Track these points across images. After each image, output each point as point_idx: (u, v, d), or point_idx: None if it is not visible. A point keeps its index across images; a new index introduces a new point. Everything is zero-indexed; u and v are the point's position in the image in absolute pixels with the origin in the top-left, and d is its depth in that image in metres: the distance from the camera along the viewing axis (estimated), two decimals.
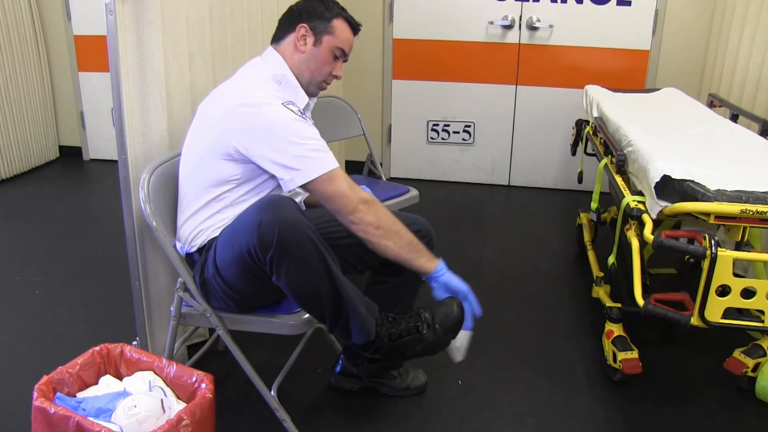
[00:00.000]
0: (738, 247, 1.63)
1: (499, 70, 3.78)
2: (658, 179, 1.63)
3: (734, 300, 1.54)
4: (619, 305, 2.06)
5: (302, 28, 1.60)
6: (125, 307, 1.94)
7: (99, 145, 4.36)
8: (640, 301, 1.65)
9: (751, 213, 1.51)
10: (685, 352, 2.18)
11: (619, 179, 1.98)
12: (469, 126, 3.93)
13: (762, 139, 2.03)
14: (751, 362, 1.88)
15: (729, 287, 1.53)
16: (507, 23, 3.66)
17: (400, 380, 1.92)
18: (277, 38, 1.65)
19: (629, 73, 3.64)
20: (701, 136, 2.10)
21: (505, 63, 3.75)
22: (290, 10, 1.65)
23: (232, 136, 1.48)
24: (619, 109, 2.40)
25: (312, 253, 1.40)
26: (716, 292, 1.53)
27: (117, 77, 1.61)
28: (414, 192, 2.53)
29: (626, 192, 1.86)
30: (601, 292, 2.25)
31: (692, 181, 1.60)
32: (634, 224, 1.75)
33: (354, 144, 3.09)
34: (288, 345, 1.90)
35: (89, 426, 1.31)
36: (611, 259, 2.03)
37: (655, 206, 1.67)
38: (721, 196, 1.54)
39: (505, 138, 3.92)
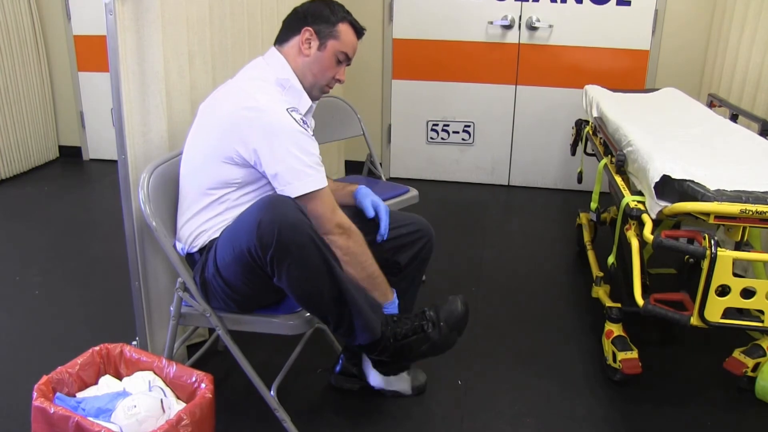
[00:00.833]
0: (738, 247, 1.63)
1: (499, 70, 3.78)
2: (657, 179, 1.63)
3: (734, 300, 1.54)
4: (618, 305, 2.06)
5: (307, 32, 1.59)
6: (125, 307, 1.94)
7: (99, 145, 4.36)
8: (640, 301, 1.65)
9: (750, 213, 1.51)
10: (685, 352, 2.18)
11: (618, 179, 1.98)
12: (469, 126, 3.93)
13: (762, 139, 2.03)
14: (750, 362, 1.88)
15: (729, 287, 1.53)
16: (507, 23, 3.66)
17: None
18: (280, 40, 1.64)
19: (629, 73, 3.64)
20: (701, 136, 2.10)
21: (505, 63, 3.75)
22: (295, 11, 1.64)
23: (234, 140, 1.48)
24: (619, 109, 2.40)
25: (313, 254, 1.40)
26: (716, 292, 1.53)
27: (117, 77, 1.61)
28: (414, 192, 2.53)
29: (626, 192, 1.86)
30: (600, 292, 2.25)
31: (692, 181, 1.60)
32: (633, 224, 1.75)
33: (354, 144, 3.09)
34: (288, 345, 1.90)
35: (89, 426, 1.31)
36: (611, 259, 2.03)
37: (654, 206, 1.67)
38: (721, 196, 1.54)
39: (504, 138, 3.92)
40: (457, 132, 3.95)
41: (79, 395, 1.49)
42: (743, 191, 1.56)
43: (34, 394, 1.38)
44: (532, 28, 3.64)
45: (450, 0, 3.69)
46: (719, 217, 1.55)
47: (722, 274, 1.51)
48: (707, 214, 1.56)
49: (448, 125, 3.94)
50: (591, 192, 2.40)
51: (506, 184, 4.02)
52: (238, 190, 1.54)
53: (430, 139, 4.00)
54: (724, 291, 1.54)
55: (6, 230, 3.20)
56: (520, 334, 2.28)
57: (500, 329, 2.31)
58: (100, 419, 1.37)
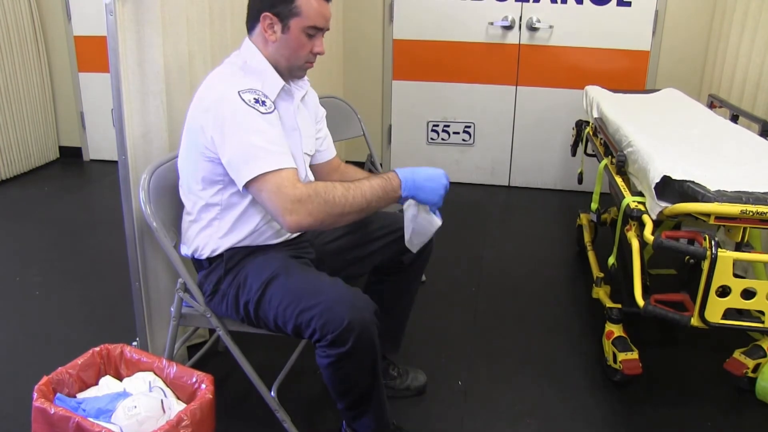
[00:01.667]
0: (738, 247, 1.63)
1: (499, 71, 3.78)
2: (658, 180, 1.63)
3: (734, 301, 1.53)
4: (619, 306, 2.06)
5: (267, 18, 1.48)
6: (125, 307, 1.94)
7: (99, 146, 4.36)
8: (641, 301, 1.65)
9: (751, 214, 1.51)
10: (685, 352, 2.18)
11: (619, 180, 1.98)
12: (469, 127, 3.93)
13: (762, 139, 2.03)
14: (751, 363, 1.88)
15: (729, 288, 1.53)
16: (507, 24, 3.66)
17: (400, 380, 1.92)
18: (248, 29, 1.55)
19: (629, 73, 3.64)
20: (701, 137, 2.10)
21: (505, 64, 3.75)
22: None
23: (199, 133, 1.44)
24: (620, 110, 2.40)
25: (369, 356, 1.40)
26: (716, 292, 1.53)
27: (117, 78, 1.61)
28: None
29: (626, 192, 1.86)
30: (601, 293, 2.25)
31: (692, 182, 1.60)
32: (634, 225, 1.75)
33: (354, 144, 3.09)
34: (288, 345, 1.90)
35: (89, 426, 1.31)
36: (611, 260, 2.03)
37: (655, 207, 1.66)
38: (721, 196, 1.54)
39: (505, 139, 3.92)
40: (458, 133, 3.95)
41: (80, 396, 1.49)
42: (743, 192, 1.56)
43: (35, 395, 1.38)
44: (532, 28, 3.64)
45: (450, 1, 3.69)
46: (719, 217, 1.55)
47: (722, 275, 1.51)
48: (707, 215, 1.56)
49: (448, 126, 3.94)
50: (591, 193, 2.40)
51: (506, 184, 4.02)
52: (225, 189, 1.49)
53: (430, 140, 3.99)
54: (724, 292, 1.54)
55: (6, 230, 3.20)
56: (520, 335, 2.28)
57: (500, 330, 2.31)
58: (101, 420, 1.37)
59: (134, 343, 1.85)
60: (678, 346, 2.23)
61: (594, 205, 2.37)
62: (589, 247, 2.70)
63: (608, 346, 1.99)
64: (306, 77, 1.65)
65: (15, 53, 3.83)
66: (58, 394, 1.44)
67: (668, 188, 1.64)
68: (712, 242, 1.51)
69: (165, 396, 1.48)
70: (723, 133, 2.14)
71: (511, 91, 3.80)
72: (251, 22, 1.53)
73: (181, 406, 1.46)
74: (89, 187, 4.00)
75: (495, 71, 3.78)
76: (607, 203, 2.74)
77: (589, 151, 2.74)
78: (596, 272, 2.40)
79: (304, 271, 1.51)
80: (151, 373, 1.55)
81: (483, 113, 3.88)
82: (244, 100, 1.40)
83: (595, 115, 2.54)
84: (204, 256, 1.56)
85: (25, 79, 3.94)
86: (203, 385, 1.48)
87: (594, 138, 2.58)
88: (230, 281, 1.53)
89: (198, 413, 1.39)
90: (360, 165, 2.94)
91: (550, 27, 3.63)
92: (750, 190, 1.57)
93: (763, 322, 1.56)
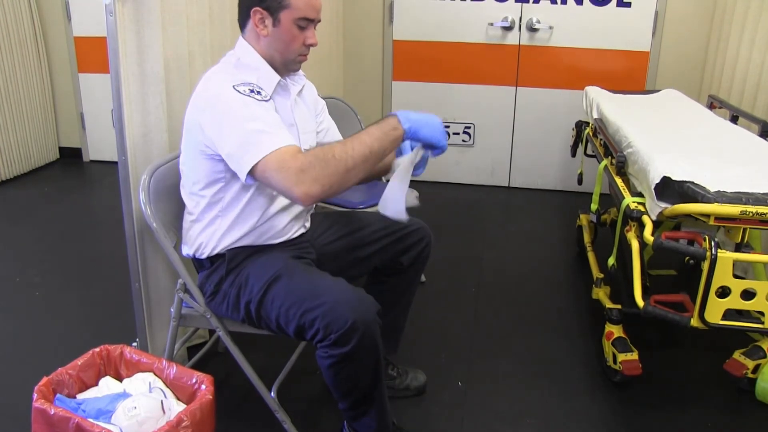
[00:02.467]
0: (738, 248, 1.63)
1: (499, 72, 3.78)
2: (658, 180, 1.63)
3: (734, 301, 1.54)
4: (619, 306, 2.06)
5: (257, 13, 1.47)
6: (125, 308, 1.94)
7: (99, 147, 4.36)
8: (640, 302, 1.65)
9: (750, 214, 1.51)
10: (685, 353, 2.18)
11: (619, 180, 1.98)
12: (469, 127, 3.93)
13: (762, 140, 2.03)
14: (751, 363, 1.88)
15: (729, 288, 1.53)
16: (507, 24, 3.66)
17: (400, 380, 1.92)
18: (240, 27, 1.56)
19: (629, 74, 3.64)
20: (701, 138, 2.10)
21: (505, 64, 3.76)
22: None
23: (198, 131, 1.44)
24: (619, 111, 2.40)
25: (371, 355, 1.40)
26: (716, 293, 1.53)
27: (117, 78, 1.61)
28: (414, 193, 2.53)
29: (626, 193, 1.86)
30: (601, 294, 2.25)
31: (692, 183, 1.60)
32: (634, 225, 1.75)
33: None
34: (288, 346, 1.90)
35: (89, 427, 1.30)
36: (611, 261, 2.03)
37: (655, 207, 1.67)
38: (721, 197, 1.54)
39: (505, 139, 3.92)
40: (458, 133, 3.95)
41: (80, 396, 1.49)
42: (743, 193, 1.56)
43: (35, 396, 1.38)
44: (532, 29, 3.65)
45: (450, 1, 3.69)
46: (719, 218, 1.55)
47: (722, 276, 1.51)
48: (707, 216, 1.56)
49: (448, 126, 3.94)
50: (591, 193, 2.40)
51: (506, 185, 4.02)
52: (227, 186, 1.50)
53: None
54: (724, 292, 1.54)
55: (6, 231, 3.20)
56: (520, 335, 2.28)
57: (500, 330, 2.31)
58: (101, 420, 1.37)
59: (134, 344, 1.85)
60: (678, 347, 2.23)
61: (594, 206, 2.37)
62: (589, 248, 2.70)
63: (608, 347, 1.99)
64: (302, 72, 1.65)
65: (15, 53, 3.84)
66: (58, 395, 1.44)
67: (668, 189, 1.64)
68: (712, 243, 1.51)
69: (165, 397, 1.48)
70: (723, 133, 2.14)
71: (510, 92, 3.81)
72: (243, 20, 1.53)
73: (181, 406, 1.46)
74: (89, 187, 4.00)
75: (495, 72, 3.78)
76: (607, 204, 2.74)
77: (589, 151, 2.74)
78: (596, 273, 2.40)
79: (307, 272, 1.51)
80: (151, 374, 1.54)
81: (483, 114, 3.88)
82: (239, 91, 1.40)
83: (595, 116, 2.55)
84: (205, 255, 1.56)
85: (25, 80, 3.94)
86: (203, 386, 1.48)
87: (594, 139, 2.58)
88: (232, 281, 1.53)
89: (198, 414, 1.39)
90: None
91: (550, 28, 3.63)
92: (750, 191, 1.57)
93: (762, 323, 1.56)
